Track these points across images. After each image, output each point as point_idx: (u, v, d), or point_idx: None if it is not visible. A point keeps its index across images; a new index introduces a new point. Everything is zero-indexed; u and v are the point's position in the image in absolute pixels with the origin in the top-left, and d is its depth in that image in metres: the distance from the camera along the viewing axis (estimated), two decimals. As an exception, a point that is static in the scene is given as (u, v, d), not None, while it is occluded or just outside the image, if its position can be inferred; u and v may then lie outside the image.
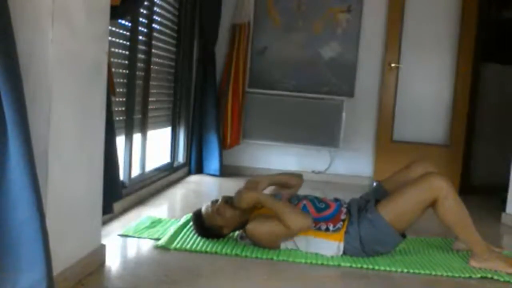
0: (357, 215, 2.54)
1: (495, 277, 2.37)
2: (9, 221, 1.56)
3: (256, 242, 2.56)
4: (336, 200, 2.70)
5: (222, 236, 2.67)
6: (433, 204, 2.44)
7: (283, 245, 2.56)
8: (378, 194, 2.71)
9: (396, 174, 2.82)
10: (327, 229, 2.52)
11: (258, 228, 2.51)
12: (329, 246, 2.51)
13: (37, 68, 1.70)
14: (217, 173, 4.69)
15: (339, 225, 2.53)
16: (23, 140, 1.53)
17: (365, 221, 2.49)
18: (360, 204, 2.64)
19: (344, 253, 2.53)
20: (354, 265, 2.43)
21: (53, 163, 1.77)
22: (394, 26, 4.84)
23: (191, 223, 2.92)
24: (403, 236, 2.61)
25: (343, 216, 2.56)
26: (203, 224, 2.63)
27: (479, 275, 2.39)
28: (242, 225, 2.63)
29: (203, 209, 2.65)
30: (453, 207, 2.43)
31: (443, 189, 2.41)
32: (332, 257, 2.50)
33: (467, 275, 2.39)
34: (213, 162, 4.72)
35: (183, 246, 2.54)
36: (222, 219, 2.59)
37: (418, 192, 2.44)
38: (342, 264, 2.43)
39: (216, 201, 2.65)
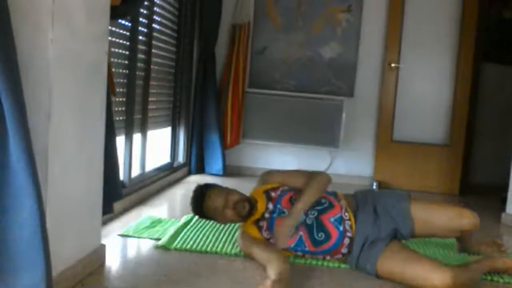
0: (358, 254, 2.35)
1: (495, 278, 2.37)
2: (9, 221, 1.56)
3: None
4: (340, 221, 2.38)
5: (205, 214, 2.53)
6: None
7: None
8: (397, 223, 2.41)
9: (435, 207, 2.54)
10: (323, 259, 2.43)
11: (247, 252, 2.42)
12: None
13: (37, 68, 1.70)
14: (221, 173, 4.70)
15: (337, 256, 2.40)
16: (22, 140, 1.53)
17: (364, 268, 2.33)
18: (366, 239, 2.35)
19: None
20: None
21: (53, 163, 1.77)
22: (394, 26, 4.84)
23: (191, 222, 2.92)
24: None
25: (344, 250, 2.37)
26: (202, 205, 2.48)
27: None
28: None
29: (212, 196, 2.46)
30: None
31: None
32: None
33: (467, 275, 2.39)
34: (216, 162, 4.73)
35: (183, 246, 2.54)
36: (222, 217, 2.48)
37: (424, 281, 2.13)
38: (343, 265, 2.43)
39: (232, 191, 2.50)
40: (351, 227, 2.39)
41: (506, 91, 5.07)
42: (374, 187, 4.67)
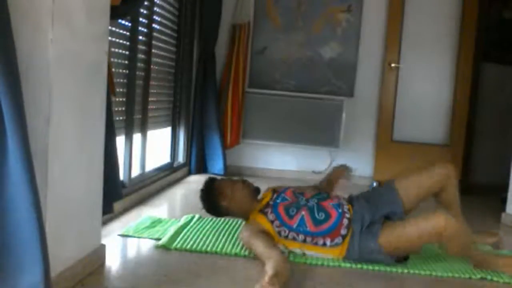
0: (359, 236, 2.43)
1: (495, 278, 2.37)
2: (7, 222, 1.56)
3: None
4: (339, 205, 2.53)
5: (218, 212, 2.70)
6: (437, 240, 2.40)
7: None
8: (389, 205, 2.58)
9: (413, 175, 2.70)
10: (324, 244, 2.46)
11: (248, 244, 2.46)
12: (325, 259, 2.47)
13: (37, 68, 1.70)
14: (222, 172, 4.70)
15: (337, 240, 2.44)
16: (21, 140, 1.53)
17: (367, 248, 2.41)
18: (364, 219, 2.46)
19: None
20: (354, 266, 2.43)
21: (53, 163, 1.77)
22: (394, 26, 4.84)
23: (191, 222, 2.93)
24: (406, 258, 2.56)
25: (343, 231, 2.45)
26: (214, 183, 2.69)
27: (479, 276, 2.39)
28: (242, 216, 2.68)
29: (224, 178, 2.75)
30: (455, 238, 2.37)
31: (445, 229, 2.30)
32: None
33: (467, 275, 2.39)
34: (217, 162, 4.74)
35: (183, 246, 2.54)
36: (231, 193, 2.63)
37: (423, 232, 2.33)
38: (342, 265, 2.43)
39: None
40: (349, 210, 2.53)
41: (506, 91, 5.07)
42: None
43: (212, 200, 2.67)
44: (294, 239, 2.48)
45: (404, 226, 2.39)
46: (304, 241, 2.47)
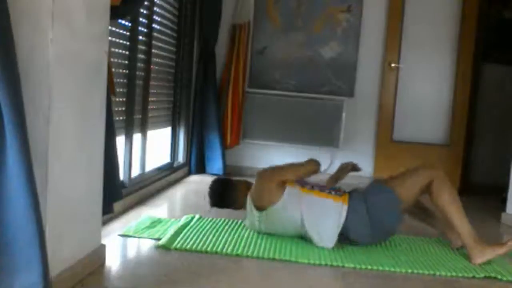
0: (363, 194, 2.74)
1: (499, 277, 2.38)
2: (6, 222, 1.56)
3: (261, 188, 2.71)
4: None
5: (225, 199, 2.86)
6: (429, 186, 2.61)
7: (288, 215, 2.68)
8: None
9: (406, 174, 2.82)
10: (329, 192, 2.74)
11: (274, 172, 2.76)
12: (332, 205, 2.66)
13: (37, 68, 1.70)
14: (221, 172, 4.70)
15: (340, 192, 2.76)
16: (21, 141, 1.53)
17: (370, 189, 2.76)
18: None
19: (346, 224, 2.62)
20: (358, 266, 2.42)
21: (53, 164, 1.76)
22: (394, 26, 4.84)
23: (191, 222, 2.92)
24: None
25: (341, 192, 2.78)
26: (224, 179, 2.93)
27: (482, 275, 2.39)
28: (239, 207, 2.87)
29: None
30: (448, 190, 2.60)
31: (439, 173, 2.63)
32: (333, 249, 2.58)
33: (471, 274, 2.39)
34: (216, 162, 4.73)
35: (183, 246, 2.54)
36: (240, 184, 2.86)
37: (416, 173, 2.69)
38: (346, 265, 2.43)
39: None
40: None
41: (506, 91, 5.07)
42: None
43: (224, 186, 2.85)
44: (305, 184, 2.78)
45: (404, 175, 2.71)
46: (312, 187, 2.75)
